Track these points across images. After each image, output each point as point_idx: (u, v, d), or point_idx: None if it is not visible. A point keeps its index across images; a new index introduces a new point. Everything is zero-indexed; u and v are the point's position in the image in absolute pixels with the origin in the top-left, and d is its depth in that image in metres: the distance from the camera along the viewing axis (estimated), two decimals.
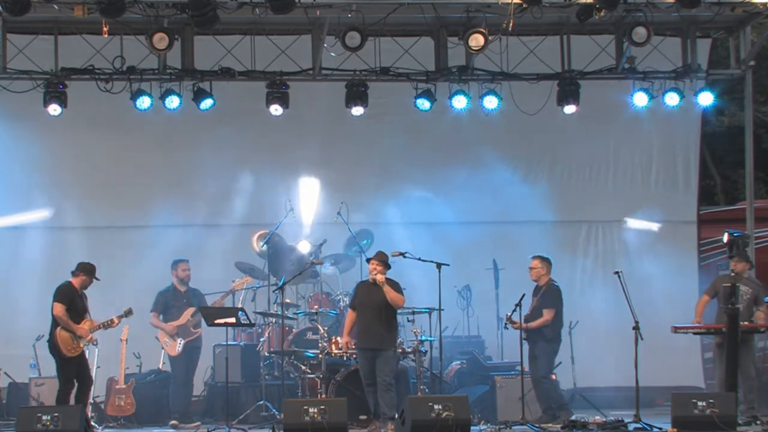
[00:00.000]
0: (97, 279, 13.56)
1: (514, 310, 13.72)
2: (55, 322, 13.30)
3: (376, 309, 13.30)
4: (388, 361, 13.24)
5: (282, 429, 12.40)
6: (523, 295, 13.87)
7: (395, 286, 13.38)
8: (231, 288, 14.87)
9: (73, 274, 13.51)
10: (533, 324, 13.83)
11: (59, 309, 13.28)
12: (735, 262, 13.83)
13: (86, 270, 13.50)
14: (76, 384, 13.33)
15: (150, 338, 14.62)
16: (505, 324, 13.88)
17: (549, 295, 13.95)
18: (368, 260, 13.56)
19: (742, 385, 13.48)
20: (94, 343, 13.64)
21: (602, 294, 15.84)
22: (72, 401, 13.14)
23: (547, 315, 13.86)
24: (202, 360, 14.80)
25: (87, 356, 13.58)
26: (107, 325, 13.63)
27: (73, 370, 13.31)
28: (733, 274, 13.71)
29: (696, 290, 15.73)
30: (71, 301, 13.35)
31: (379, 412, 13.23)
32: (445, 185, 16.42)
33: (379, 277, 13.30)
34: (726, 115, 22.71)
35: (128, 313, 13.90)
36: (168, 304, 14.56)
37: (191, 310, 14.48)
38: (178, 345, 14.43)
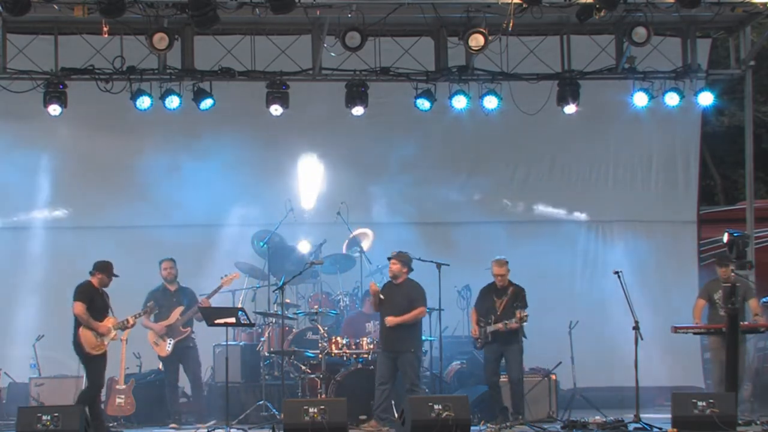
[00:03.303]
0: (115, 275, 13.52)
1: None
2: (77, 321, 13.30)
3: (396, 311, 13.37)
4: (410, 362, 13.32)
5: (282, 429, 12.39)
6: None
7: (415, 294, 13.43)
8: (219, 284, 14.77)
9: (91, 273, 13.48)
10: (514, 325, 13.68)
11: (79, 308, 13.27)
12: (723, 270, 13.79)
13: (102, 268, 13.47)
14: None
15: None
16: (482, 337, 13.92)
17: (521, 296, 13.87)
18: (389, 259, 13.59)
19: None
20: (119, 339, 13.67)
21: (602, 294, 15.83)
22: (100, 403, 13.21)
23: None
24: (201, 360, 14.75)
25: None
26: (130, 321, 13.68)
27: (99, 368, 13.29)
28: (733, 275, 13.66)
29: (696, 290, 15.66)
30: (91, 299, 13.34)
31: (383, 415, 13.25)
32: (444, 185, 16.41)
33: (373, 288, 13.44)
34: (726, 115, 22.71)
35: (152, 309, 14.06)
36: (158, 303, 14.47)
37: (180, 309, 14.47)
38: (168, 345, 14.40)
